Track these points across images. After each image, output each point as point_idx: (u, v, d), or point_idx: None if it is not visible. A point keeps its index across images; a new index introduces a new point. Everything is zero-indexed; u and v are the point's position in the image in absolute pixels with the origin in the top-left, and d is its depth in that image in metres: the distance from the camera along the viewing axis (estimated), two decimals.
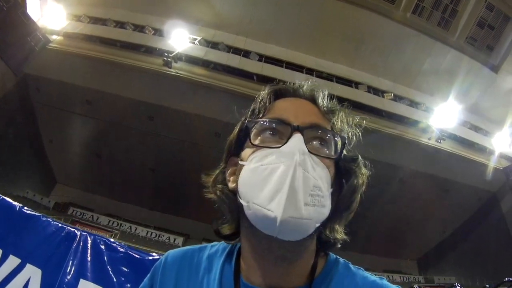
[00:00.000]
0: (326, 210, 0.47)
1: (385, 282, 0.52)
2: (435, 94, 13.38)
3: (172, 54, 11.26)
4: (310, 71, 11.34)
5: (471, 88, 13.18)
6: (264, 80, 11.03)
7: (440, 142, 12.68)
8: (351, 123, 0.58)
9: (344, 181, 0.54)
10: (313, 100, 0.57)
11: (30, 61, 11.96)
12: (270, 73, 10.98)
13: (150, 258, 1.91)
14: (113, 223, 11.10)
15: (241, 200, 0.49)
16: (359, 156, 0.56)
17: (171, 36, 11.51)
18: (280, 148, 0.48)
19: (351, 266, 0.56)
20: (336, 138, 0.53)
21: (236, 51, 11.39)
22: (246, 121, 0.55)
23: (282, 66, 11.37)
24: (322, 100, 0.57)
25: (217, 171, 0.60)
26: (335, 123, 0.56)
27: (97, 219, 11.18)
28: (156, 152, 11.50)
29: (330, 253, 0.58)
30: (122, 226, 11.09)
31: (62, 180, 13.58)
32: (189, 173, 9.35)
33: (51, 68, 11.64)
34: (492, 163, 12.48)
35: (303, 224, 0.44)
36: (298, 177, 0.44)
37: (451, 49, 12.47)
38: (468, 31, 12.52)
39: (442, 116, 12.49)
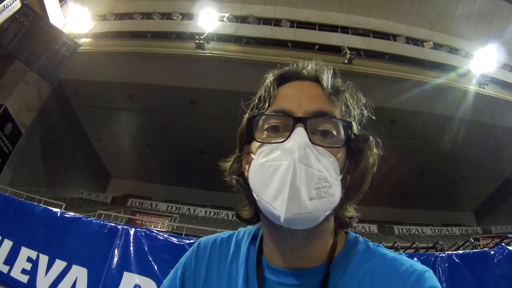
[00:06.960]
0: (335, 198, 0.48)
1: (404, 257, 0.52)
2: (473, 39, 12.89)
3: (203, 36, 11.26)
4: (345, 30, 11.07)
5: (505, 31, 12.69)
6: (299, 45, 10.88)
7: (483, 88, 12.27)
8: (359, 101, 0.56)
9: (356, 161, 0.54)
10: (317, 81, 0.55)
11: (63, 68, 12.27)
12: (304, 38, 10.80)
13: (188, 242, 2.00)
14: (171, 208, 11.42)
15: (253, 193, 0.51)
16: (370, 136, 0.54)
17: (199, 18, 11.51)
18: (284, 143, 0.48)
19: (370, 244, 0.56)
20: (342, 124, 0.51)
21: (267, 21, 11.26)
22: (252, 113, 0.56)
23: (315, 29, 11.16)
24: (327, 80, 0.54)
25: (232, 159, 0.60)
26: (341, 104, 0.54)
27: (156, 206, 11.54)
28: (203, 134, 11.67)
29: (350, 232, 0.58)
30: (181, 210, 11.40)
31: (117, 174, 14.04)
32: None
33: (86, 71, 11.88)
34: None
35: (309, 217, 0.45)
36: (299, 175, 0.45)
37: None
38: None
39: (482, 61, 12.06)
